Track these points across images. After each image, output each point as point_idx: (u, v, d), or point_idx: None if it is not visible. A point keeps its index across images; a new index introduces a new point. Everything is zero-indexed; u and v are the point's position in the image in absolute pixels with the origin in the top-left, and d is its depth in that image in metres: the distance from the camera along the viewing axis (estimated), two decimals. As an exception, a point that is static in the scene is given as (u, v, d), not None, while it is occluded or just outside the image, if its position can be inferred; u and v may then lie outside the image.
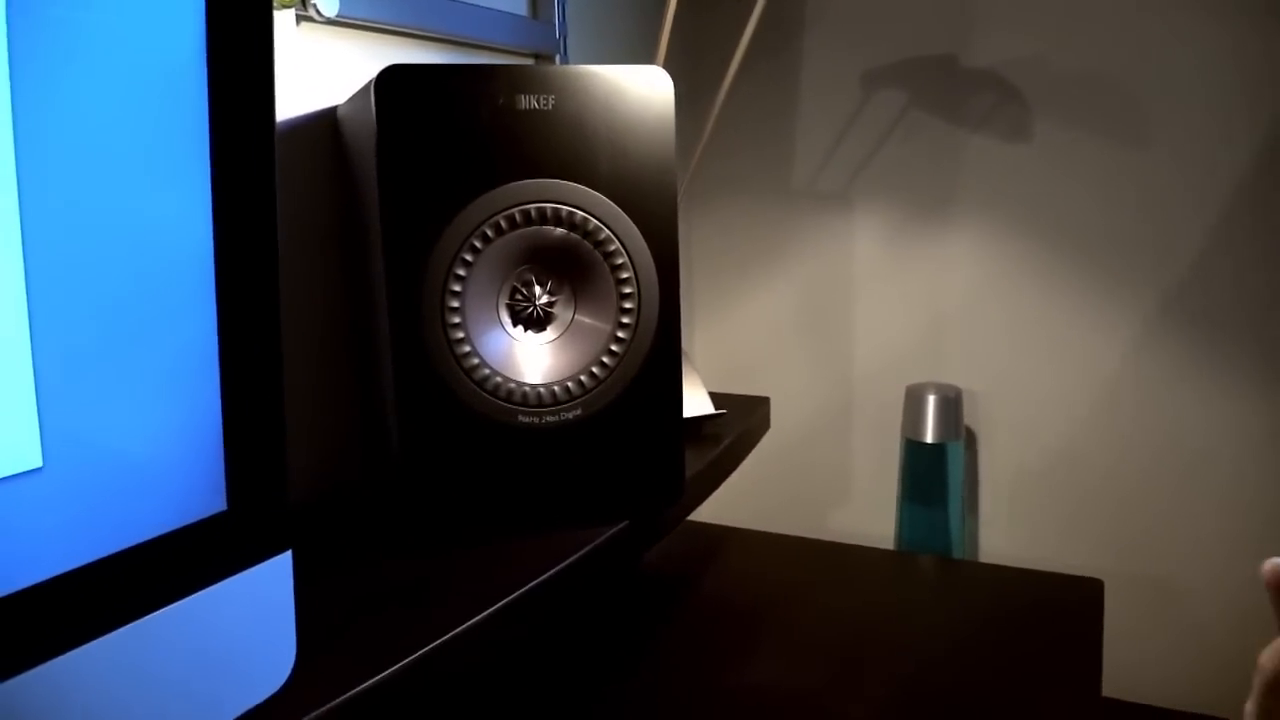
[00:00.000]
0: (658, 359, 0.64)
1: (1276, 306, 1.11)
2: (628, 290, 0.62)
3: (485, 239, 0.58)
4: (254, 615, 0.43)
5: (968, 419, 1.26)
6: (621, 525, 0.65)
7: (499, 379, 0.60)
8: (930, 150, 1.25)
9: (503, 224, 0.59)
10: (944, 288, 1.27)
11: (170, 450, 0.39)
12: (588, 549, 0.62)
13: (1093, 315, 1.20)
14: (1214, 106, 1.11)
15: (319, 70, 0.70)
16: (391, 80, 0.55)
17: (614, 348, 0.63)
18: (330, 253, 0.71)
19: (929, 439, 1.20)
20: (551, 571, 0.59)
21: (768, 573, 1.03)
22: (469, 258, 0.58)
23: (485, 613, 0.54)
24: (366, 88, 0.58)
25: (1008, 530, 1.29)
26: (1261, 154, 1.09)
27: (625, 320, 0.63)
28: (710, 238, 1.41)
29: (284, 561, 0.44)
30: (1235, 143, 1.10)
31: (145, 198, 0.37)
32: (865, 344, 1.34)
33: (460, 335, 0.58)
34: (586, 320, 0.63)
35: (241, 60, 0.40)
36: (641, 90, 0.61)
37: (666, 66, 0.64)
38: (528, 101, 0.58)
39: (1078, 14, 1.15)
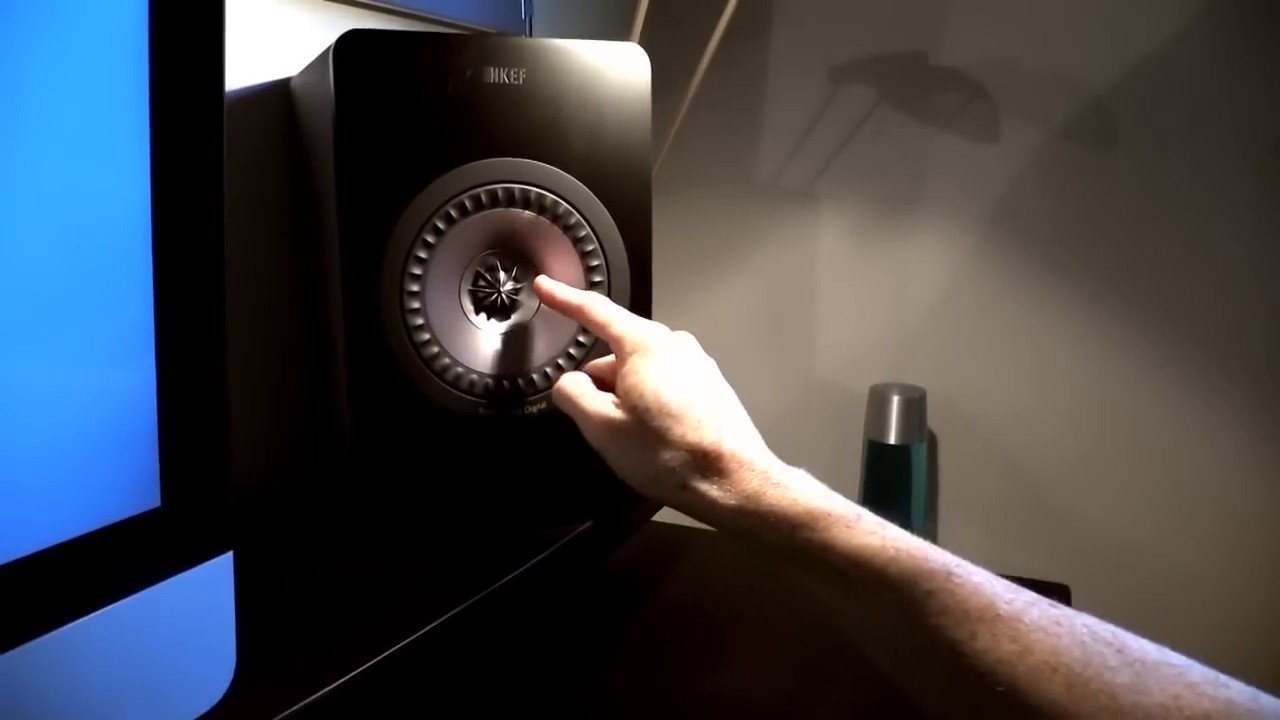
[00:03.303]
0: (628, 352, 0.61)
1: (1246, 312, 1.11)
2: (598, 279, 0.59)
3: (448, 220, 0.55)
4: (190, 623, 0.39)
5: (931, 421, 1.25)
6: (586, 525, 0.62)
7: (460, 370, 0.57)
8: (898, 148, 1.24)
9: (467, 205, 0.55)
10: (910, 288, 1.26)
11: (98, 440, 0.35)
12: (551, 550, 0.59)
13: (1060, 318, 1.19)
14: (1186, 111, 1.11)
15: (270, 41, 0.66)
16: (352, 45, 0.51)
17: (581, 338, 0.60)
18: (281, 231, 0.67)
19: (892, 440, 1.18)
20: (513, 574, 0.56)
21: (730, 574, 1.00)
22: (430, 240, 0.55)
23: (442, 619, 0.51)
24: (324, 55, 0.54)
25: (968, 534, 1.28)
26: (1234, 160, 1.09)
27: (595, 310, 0.60)
28: (669, 231, 1.38)
29: (224, 563, 0.40)
30: (1206, 147, 1.10)
31: (78, 171, 0.33)
32: (828, 343, 1.32)
33: (419, 322, 0.55)
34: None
35: (188, 20, 0.36)
36: (617, 68, 0.58)
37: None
38: (497, 75, 0.55)
39: (1050, 13, 1.15)
